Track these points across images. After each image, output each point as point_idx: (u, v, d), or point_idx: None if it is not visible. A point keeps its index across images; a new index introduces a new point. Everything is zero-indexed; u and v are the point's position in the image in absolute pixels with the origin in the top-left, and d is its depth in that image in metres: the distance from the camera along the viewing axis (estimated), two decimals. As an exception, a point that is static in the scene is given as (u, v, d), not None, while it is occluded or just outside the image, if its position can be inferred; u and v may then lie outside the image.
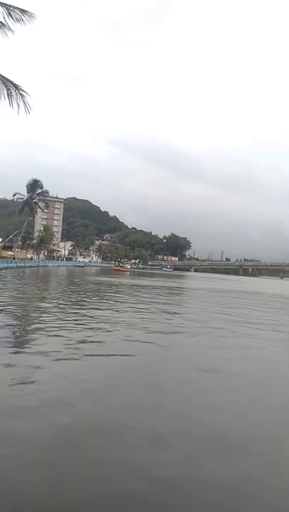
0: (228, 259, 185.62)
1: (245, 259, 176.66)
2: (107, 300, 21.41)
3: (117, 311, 16.97)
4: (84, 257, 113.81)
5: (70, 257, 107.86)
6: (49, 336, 10.28)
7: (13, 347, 8.92)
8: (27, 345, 9.24)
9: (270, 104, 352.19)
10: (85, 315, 14.60)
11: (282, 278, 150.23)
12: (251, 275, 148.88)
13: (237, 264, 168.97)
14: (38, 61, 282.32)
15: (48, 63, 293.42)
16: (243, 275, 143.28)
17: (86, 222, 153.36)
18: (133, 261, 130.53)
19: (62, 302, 18.93)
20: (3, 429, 4.76)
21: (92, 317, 14.20)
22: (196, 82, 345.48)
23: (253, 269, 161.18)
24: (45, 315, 14.04)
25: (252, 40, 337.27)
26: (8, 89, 17.36)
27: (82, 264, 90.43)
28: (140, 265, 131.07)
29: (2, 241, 66.76)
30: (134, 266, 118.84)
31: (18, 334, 10.84)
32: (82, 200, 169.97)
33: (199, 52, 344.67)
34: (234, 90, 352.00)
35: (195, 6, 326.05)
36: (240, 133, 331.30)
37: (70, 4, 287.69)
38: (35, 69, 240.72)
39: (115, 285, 35.80)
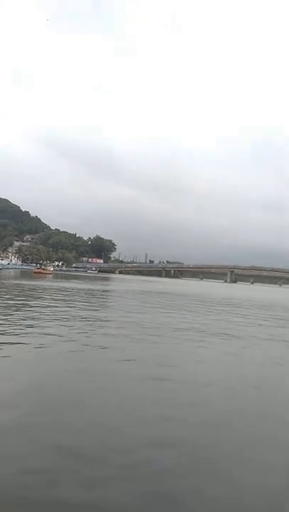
0: (151, 261, 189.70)
1: (168, 262, 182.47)
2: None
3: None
4: (2, 259, 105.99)
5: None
6: None
7: None
8: None
9: (195, 106, 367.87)
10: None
11: (201, 279, 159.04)
12: (173, 277, 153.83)
13: (160, 266, 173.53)
14: None
15: None
16: (165, 277, 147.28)
17: (4, 221, 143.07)
18: (56, 263, 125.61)
19: None
20: None
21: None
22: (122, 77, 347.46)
23: (175, 271, 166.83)
24: None
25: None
26: None
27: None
28: (64, 268, 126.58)
29: None
30: (57, 268, 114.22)
31: None
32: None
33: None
34: (156, 90, 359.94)
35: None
36: (170, 136, 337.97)
37: None
38: None
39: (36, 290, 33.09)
